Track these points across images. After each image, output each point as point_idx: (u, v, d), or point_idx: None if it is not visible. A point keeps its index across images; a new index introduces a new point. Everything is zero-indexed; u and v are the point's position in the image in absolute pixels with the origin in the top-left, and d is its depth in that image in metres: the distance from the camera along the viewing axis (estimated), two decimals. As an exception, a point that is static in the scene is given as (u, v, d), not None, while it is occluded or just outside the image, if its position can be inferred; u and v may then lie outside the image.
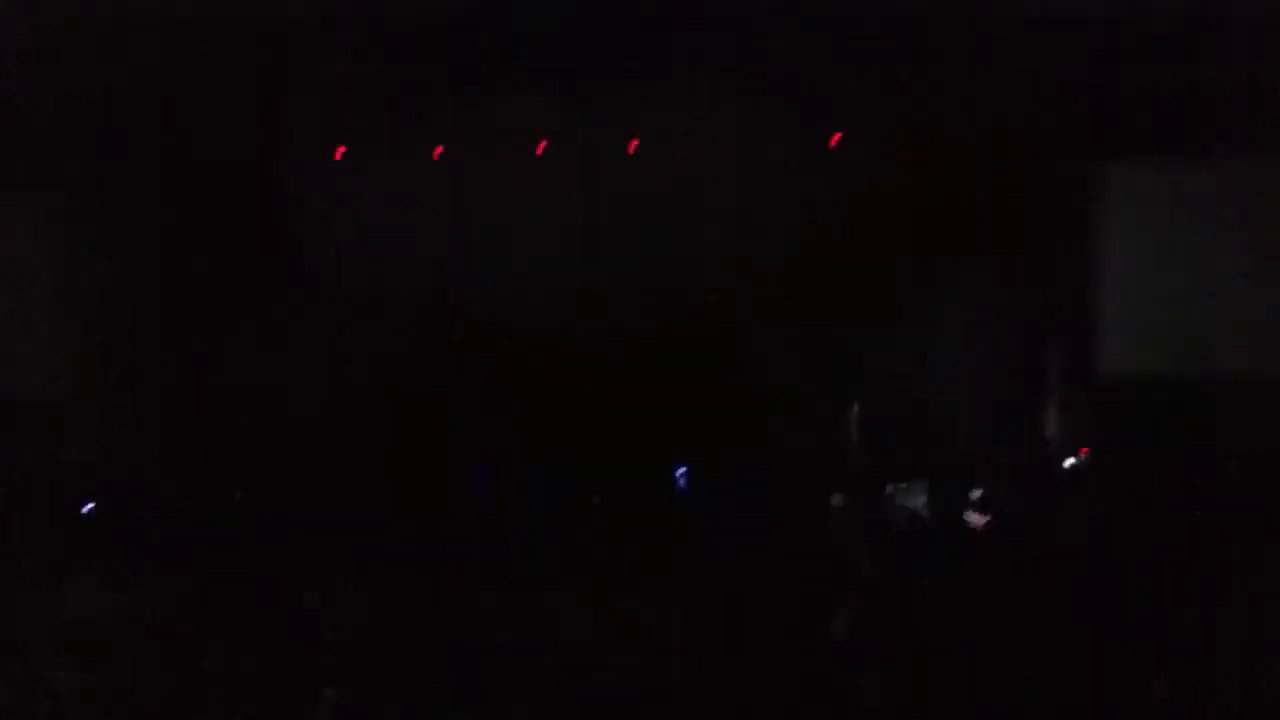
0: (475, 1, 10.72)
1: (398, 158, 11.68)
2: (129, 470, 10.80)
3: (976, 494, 10.86)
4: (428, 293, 11.65)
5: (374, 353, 11.58)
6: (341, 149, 11.76)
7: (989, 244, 11.19)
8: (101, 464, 10.86)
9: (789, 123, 11.18)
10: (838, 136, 11.42)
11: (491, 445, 11.41)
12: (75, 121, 11.01)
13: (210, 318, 11.47)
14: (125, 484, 10.64)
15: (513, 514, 10.84)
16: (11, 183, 11.11)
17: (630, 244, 11.55)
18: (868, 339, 11.55)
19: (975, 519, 10.76)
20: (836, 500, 11.11)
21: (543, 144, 11.69)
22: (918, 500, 11.18)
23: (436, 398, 11.63)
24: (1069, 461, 11.23)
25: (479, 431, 11.46)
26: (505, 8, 10.78)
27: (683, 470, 11.43)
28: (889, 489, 11.27)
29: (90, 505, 10.52)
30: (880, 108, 11.02)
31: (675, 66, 10.93)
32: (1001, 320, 11.28)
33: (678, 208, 11.51)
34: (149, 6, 10.36)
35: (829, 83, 10.94)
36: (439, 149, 11.81)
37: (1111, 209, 11.08)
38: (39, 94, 10.83)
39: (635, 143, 11.69)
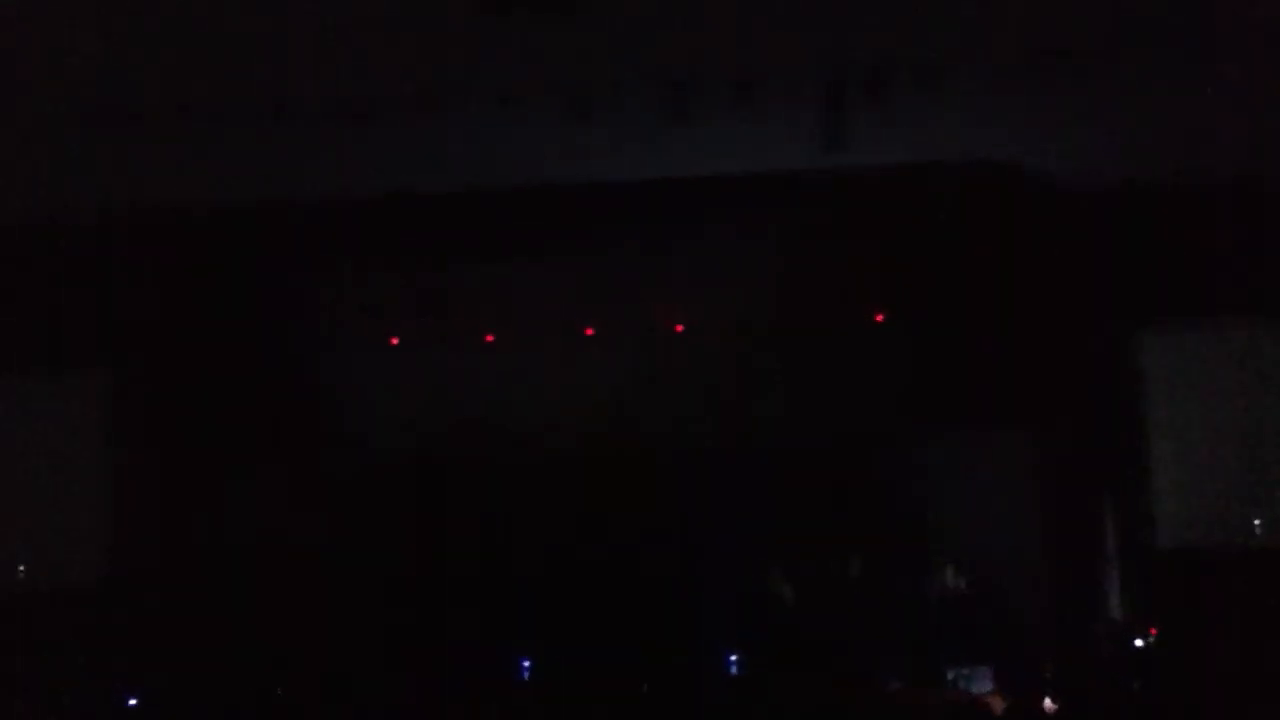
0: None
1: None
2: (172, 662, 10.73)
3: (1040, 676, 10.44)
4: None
5: (422, 540, 11.62)
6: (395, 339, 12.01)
7: (1045, 419, 11.03)
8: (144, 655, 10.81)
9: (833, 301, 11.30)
10: (880, 316, 11.47)
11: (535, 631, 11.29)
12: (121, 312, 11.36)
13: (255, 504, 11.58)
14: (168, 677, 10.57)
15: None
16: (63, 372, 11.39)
17: (679, 424, 11.58)
18: (924, 520, 11.35)
19: (1047, 704, 10.29)
20: (895, 687, 10.75)
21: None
22: (982, 686, 10.76)
23: (485, 586, 11.54)
24: (1138, 642, 10.73)
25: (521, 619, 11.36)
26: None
27: (734, 657, 11.12)
28: (950, 675, 10.88)
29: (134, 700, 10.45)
30: (920, 286, 11.08)
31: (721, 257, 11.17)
32: (1060, 496, 11.03)
33: (726, 391, 11.54)
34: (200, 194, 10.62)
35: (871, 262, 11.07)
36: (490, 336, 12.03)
37: (1173, 380, 10.90)
38: (91, 278, 11.18)
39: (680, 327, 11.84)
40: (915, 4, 8.28)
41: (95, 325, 11.27)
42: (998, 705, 10.13)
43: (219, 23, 7.75)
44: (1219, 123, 9.21)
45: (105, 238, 10.89)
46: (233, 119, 8.71)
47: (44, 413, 11.43)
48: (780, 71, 8.79)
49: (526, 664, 11.17)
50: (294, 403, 11.65)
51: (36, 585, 11.09)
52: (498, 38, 7.92)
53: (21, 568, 11.15)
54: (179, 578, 11.08)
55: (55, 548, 11.14)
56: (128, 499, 11.32)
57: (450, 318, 11.82)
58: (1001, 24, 8.40)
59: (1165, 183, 10.21)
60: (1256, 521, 10.51)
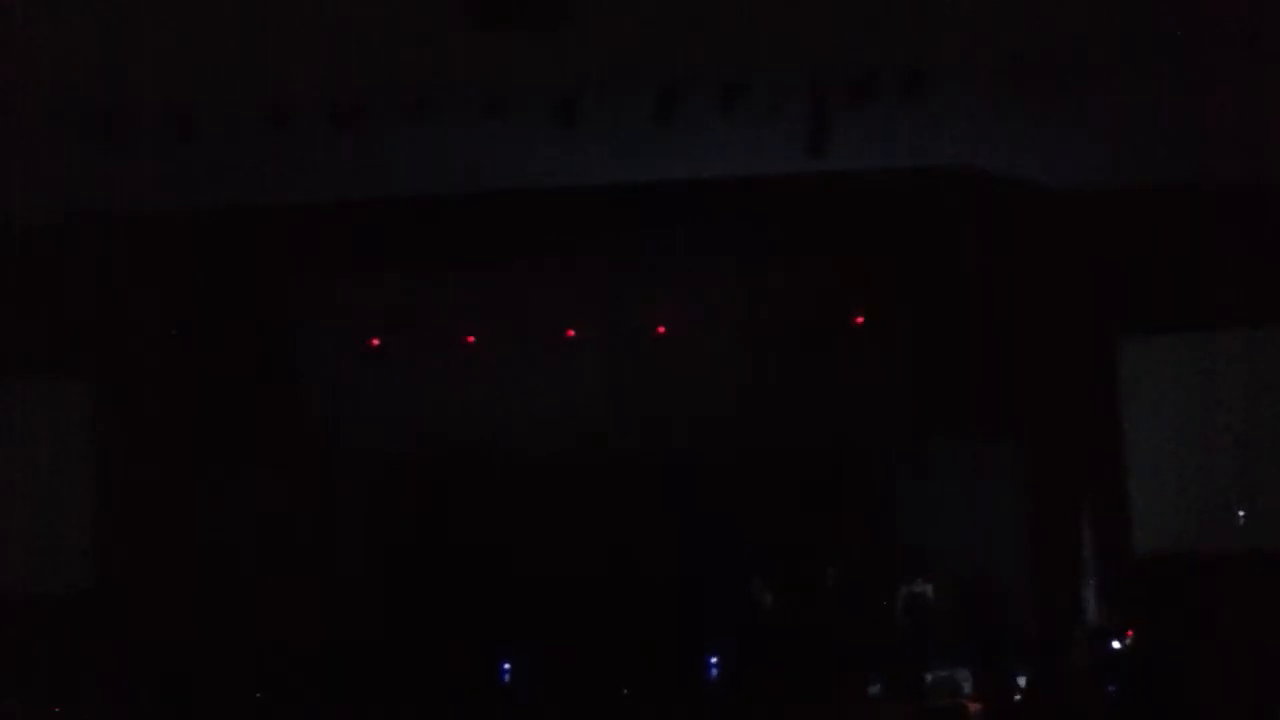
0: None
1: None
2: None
3: (1022, 680, 10.52)
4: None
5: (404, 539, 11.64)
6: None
7: (1025, 424, 11.09)
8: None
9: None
10: (860, 319, 11.54)
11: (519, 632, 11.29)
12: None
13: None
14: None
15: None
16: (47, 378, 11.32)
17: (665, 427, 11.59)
18: (904, 522, 11.42)
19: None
20: (874, 690, 10.80)
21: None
22: (961, 689, 10.82)
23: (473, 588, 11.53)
24: (1115, 644, 10.81)
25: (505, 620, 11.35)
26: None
27: (714, 659, 11.15)
28: (929, 678, 10.93)
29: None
30: (898, 290, 11.16)
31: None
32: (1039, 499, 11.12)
33: (708, 395, 11.57)
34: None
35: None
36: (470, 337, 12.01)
37: (1146, 386, 11.00)
38: (77, 285, 11.11)
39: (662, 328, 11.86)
40: (900, 10, 8.32)
41: (87, 328, 11.18)
42: (976, 709, 10.22)
43: (212, 28, 7.73)
44: (1205, 128, 9.31)
45: (97, 241, 10.84)
46: (225, 124, 8.69)
47: (37, 415, 11.34)
48: (766, 77, 8.82)
49: (506, 667, 11.17)
50: (280, 405, 11.61)
51: (29, 589, 10.99)
52: (485, 43, 7.92)
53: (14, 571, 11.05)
54: (164, 580, 11.03)
55: (47, 551, 11.06)
56: (118, 502, 11.25)
57: (435, 320, 11.82)
58: (986, 30, 8.45)
59: (1150, 188, 10.30)
60: (1236, 524, 10.61)
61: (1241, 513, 10.68)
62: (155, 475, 11.26)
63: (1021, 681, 10.39)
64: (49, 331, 11.06)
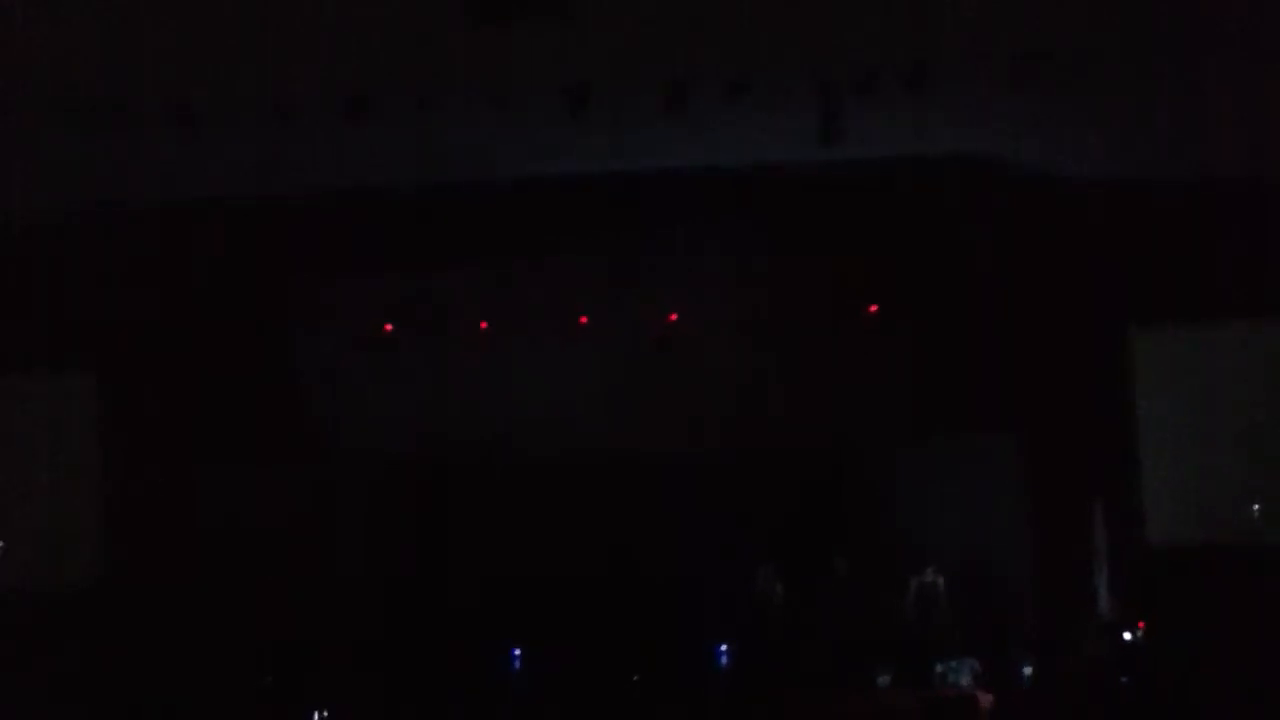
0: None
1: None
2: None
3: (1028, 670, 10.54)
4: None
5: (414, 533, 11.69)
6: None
7: (1034, 417, 11.06)
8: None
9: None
10: (874, 307, 11.50)
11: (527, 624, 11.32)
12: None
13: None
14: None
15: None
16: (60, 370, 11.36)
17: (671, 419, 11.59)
18: (916, 516, 11.41)
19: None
20: (884, 680, 10.81)
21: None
22: (969, 680, 10.83)
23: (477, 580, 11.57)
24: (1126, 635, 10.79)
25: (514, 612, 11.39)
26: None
27: (724, 648, 11.17)
28: (939, 667, 10.93)
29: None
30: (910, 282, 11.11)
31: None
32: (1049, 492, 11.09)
33: (719, 383, 11.54)
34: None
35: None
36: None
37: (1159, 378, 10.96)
38: (79, 280, 11.13)
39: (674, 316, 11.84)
40: (907, 4, 8.27)
41: (90, 324, 11.18)
42: (985, 699, 10.23)
43: (218, 22, 7.73)
44: (1205, 121, 9.23)
45: (101, 235, 10.87)
46: (231, 117, 8.69)
47: (36, 413, 11.36)
48: (775, 69, 8.79)
49: (517, 654, 11.20)
50: (291, 398, 11.63)
51: (33, 585, 11.05)
52: (495, 35, 7.91)
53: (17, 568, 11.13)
54: (173, 577, 11.09)
55: (51, 548, 11.13)
56: (122, 498, 11.27)
57: (448, 309, 11.81)
58: (991, 24, 8.41)
59: (1151, 179, 10.23)
60: (1249, 518, 10.59)
61: (1256, 507, 10.63)
62: (156, 473, 11.27)
63: (1029, 671, 10.45)
64: (52, 328, 11.05)
